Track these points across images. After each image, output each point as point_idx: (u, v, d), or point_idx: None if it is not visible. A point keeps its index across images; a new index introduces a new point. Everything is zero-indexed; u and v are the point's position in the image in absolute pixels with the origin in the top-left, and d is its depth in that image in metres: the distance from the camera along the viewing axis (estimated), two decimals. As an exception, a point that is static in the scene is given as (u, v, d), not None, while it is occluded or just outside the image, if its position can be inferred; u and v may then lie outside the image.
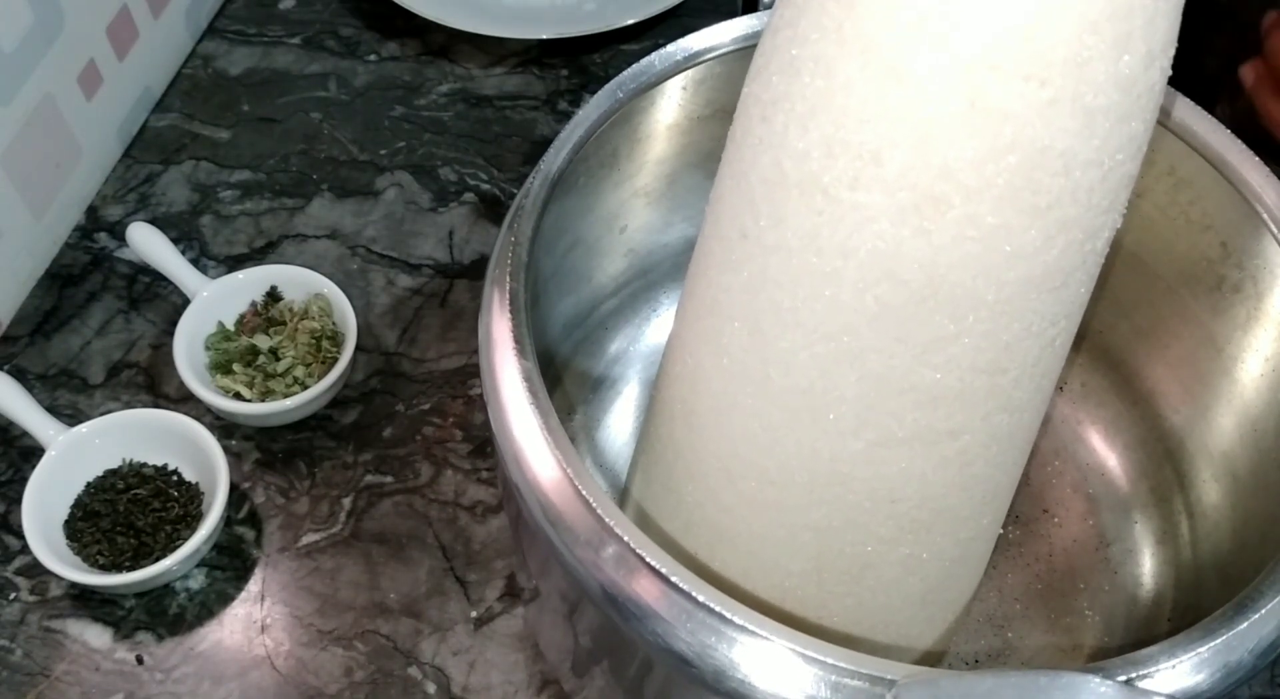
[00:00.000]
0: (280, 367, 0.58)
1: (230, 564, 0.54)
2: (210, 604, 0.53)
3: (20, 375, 0.60)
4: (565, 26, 0.74)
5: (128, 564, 0.52)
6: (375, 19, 0.78)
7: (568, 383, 0.52)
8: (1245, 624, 0.32)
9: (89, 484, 0.55)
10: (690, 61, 0.44)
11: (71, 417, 0.58)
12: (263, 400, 0.57)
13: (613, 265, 0.52)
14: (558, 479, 0.34)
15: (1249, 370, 0.44)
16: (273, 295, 0.61)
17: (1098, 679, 0.28)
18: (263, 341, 0.59)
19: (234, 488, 0.56)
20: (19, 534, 0.52)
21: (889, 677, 0.30)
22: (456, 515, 0.56)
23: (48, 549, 0.51)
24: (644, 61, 0.44)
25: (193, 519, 0.54)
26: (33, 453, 0.55)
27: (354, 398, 0.60)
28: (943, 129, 0.29)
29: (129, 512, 0.54)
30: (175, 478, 0.55)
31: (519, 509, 0.36)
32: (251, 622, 0.53)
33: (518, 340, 0.36)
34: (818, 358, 0.33)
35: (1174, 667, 0.31)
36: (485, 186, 0.69)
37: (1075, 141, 0.29)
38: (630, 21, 0.74)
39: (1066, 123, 0.29)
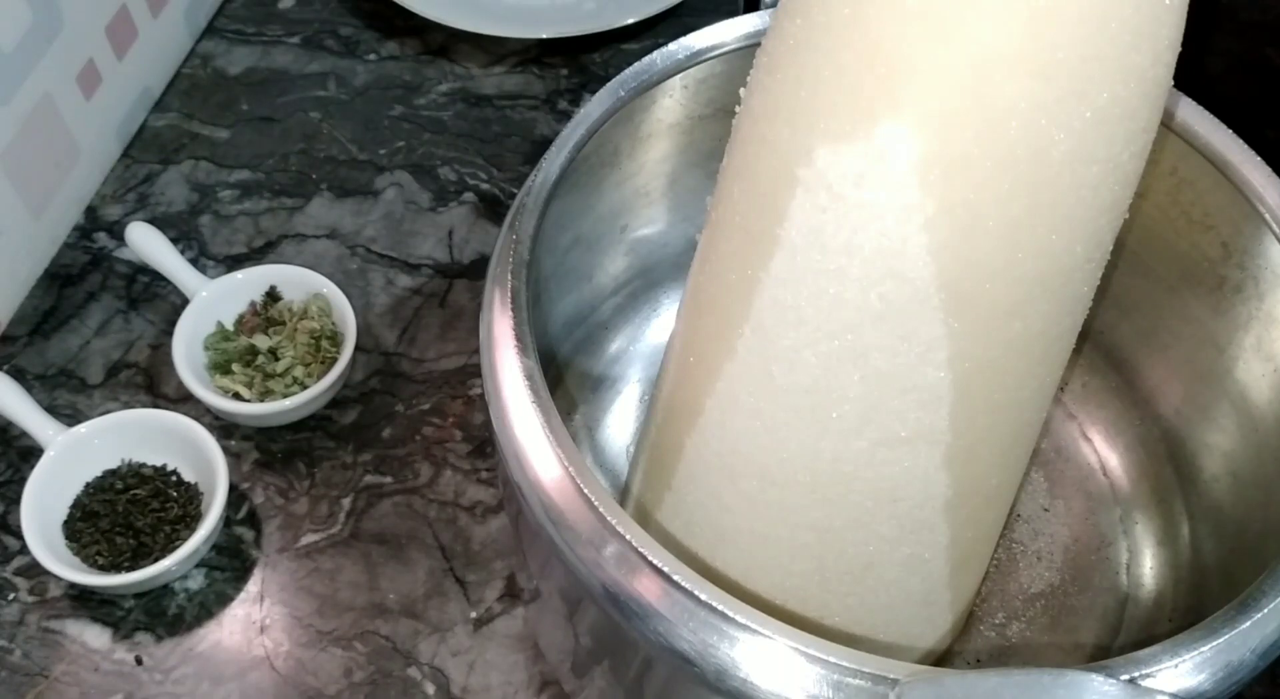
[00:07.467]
0: (279, 367, 0.58)
1: (229, 565, 0.54)
2: (209, 605, 0.53)
3: (19, 375, 0.60)
4: (565, 26, 0.74)
5: (127, 565, 0.52)
6: (375, 18, 0.77)
7: (568, 382, 0.52)
8: (1247, 623, 0.32)
9: (88, 484, 0.55)
10: (692, 60, 0.44)
11: (70, 417, 0.58)
12: (262, 400, 0.57)
13: (614, 264, 0.52)
14: (559, 478, 0.34)
15: (1250, 371, 0.44)
16: (272, 295, 0.61)
17: (1100, 678, 0.28)
18: (262, 342, 0.59)
19: (233, 488, 0.56)
20: (18, 535, 0.52)
21: (892, 676, 0.30)
22: (456, 516, 0.56)
23: (46, 549, 0.51)
24: (645, 60, 0.44)
25: (192, 519, 0.54)
26: (31, 453, 0.55)
27: (353, 398, 0.60)
28: (947, 126, 0.29)
29: (128, 512, 0.53)
30: (174, 478, 0.55)
31: (520, 508, 0.36)
32: (251, 622, 0.53)
33: (519, 338, 0.36)
34: (821, 356, 0.33)
35: (1176, 666, 0.31)
36: (485, 186, 0.69)
37: (1080, 139, 0.29)
38: (630, 21, 0.74)
39: (1072, 121, 0.29)
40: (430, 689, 0.51)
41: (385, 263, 0.66)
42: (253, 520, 0.56)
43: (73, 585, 0.53)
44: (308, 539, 0.55)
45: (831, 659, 0.30)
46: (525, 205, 0.39)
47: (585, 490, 0.33)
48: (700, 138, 0.47)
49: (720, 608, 0.31)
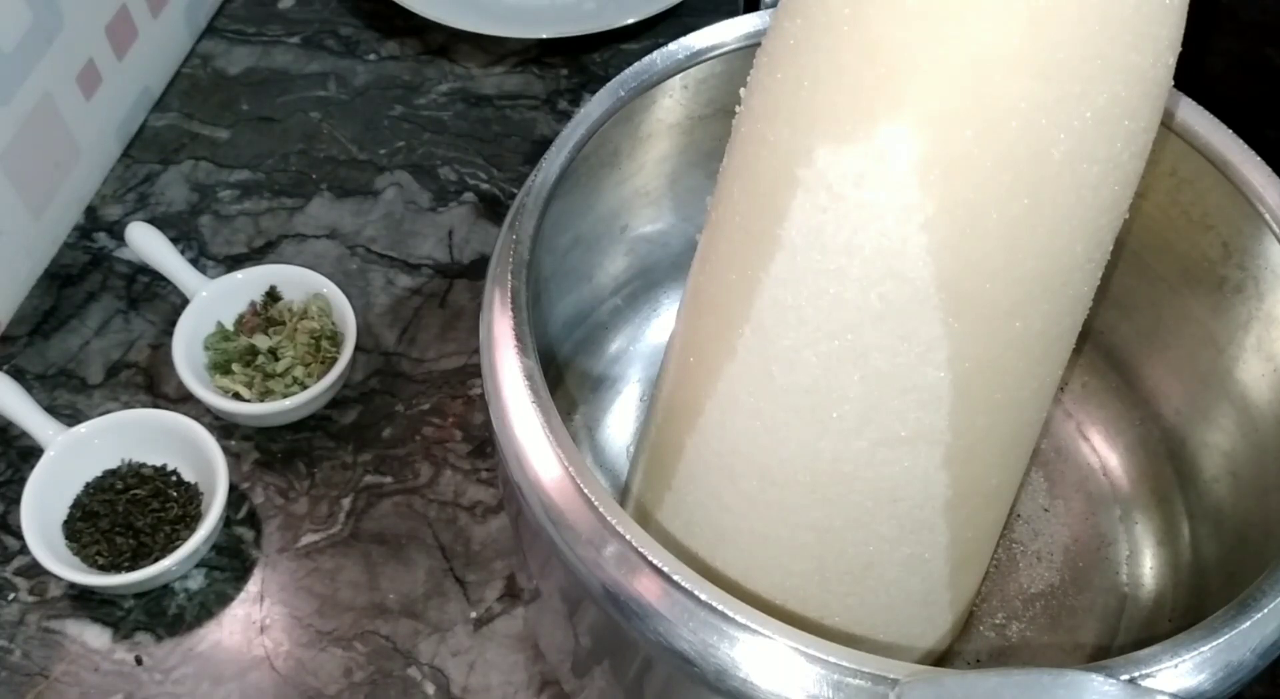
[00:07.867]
0: (279, 367, 0.58)
1: (229, 565, 0.54)
2: (209, 605, 0.53)
3: (19, 375, 0.60)
4: (565, 26, 0.74)
5: (127, 565, 0.52)
6: (375, 18, 0.77)
7: (568, 382, 0.52)
8: (1247, 623, 0.32)
9: (88, 484, 0.55)
10: (692, 60, 0.44)
11: (70, 417, 0.58)
12: (262, 400, 0.57)
13: (613, 264, 0.52)
14: (559, 478, 0.34)
15: (1250, 371, 0.44)
16: (272, 295, 0.61)
17: (1100, 678, 0.28)
18: (262, 342, 0.59)
19: (233, 488, 0.56)
20: (18, 535, 0.52)
21: (892, 675, 0.30)
22: (456, 516, 0.56)
23: (47, 549, 0.51)
24: (646, 60, 0.44)
25: (192, 519, 0.54)
26: (31, 453, 0.55)
27: (353, 398, 0.60)
28: (948, 125, 0.29)
29: (128, 512, 0.53)
30: (174, 478, 0.55)
31: (520, 508, 0.36)
32: (251, 622, 0.53)
33: (519, 338, 0.36)
34: (821, 356, 0.33)
35: (1176, 666, 0.31)
36: (485, 186, 0.69)
37: (1080, 139, 0.29)
38: (630, 21, 0.74)
39: (1071, 121, 0.29)
40: (430, 689, 0.51)
41: (385, 263, 0.66)
42: (253, 520, 0.56)
43: (73, 585, 0.53)
44: (308, 539, 0.55)
45: (831, 659, 0.30)
46: (525, 205, 0.39)
47: (585, 490, 0.33)
48: (700, 138, 0.47)
49: (720, 608, 0.31)
